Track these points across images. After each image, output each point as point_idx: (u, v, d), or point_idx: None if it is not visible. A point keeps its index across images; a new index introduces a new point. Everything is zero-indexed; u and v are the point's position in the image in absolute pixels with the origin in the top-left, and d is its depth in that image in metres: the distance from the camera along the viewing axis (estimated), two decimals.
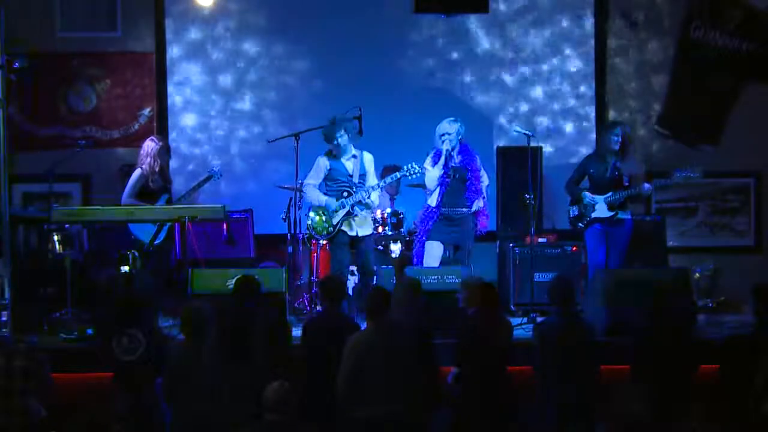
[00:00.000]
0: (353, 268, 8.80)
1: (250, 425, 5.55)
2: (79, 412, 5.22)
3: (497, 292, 6.67)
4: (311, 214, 8.53)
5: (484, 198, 8.60)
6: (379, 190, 8.58)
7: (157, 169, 8.74)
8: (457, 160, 8.55)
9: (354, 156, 8.54)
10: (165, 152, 8.90)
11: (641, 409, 5.43)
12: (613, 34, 10.37)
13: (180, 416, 6.20)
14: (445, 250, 8.59)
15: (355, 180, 8.50)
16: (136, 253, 8.48)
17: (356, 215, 8.45)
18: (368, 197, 8.44)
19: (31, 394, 6.20)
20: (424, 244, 8.59)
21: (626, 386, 5.70)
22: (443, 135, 8.51)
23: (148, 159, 8.72)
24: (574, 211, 8.76)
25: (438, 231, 8.53)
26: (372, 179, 8.55)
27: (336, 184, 8.52)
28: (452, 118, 8.60)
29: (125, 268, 8.29)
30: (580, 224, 8.73)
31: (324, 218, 8.47)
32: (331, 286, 6.79)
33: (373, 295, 6.41)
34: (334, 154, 8.52)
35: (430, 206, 8.59)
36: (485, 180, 8.68)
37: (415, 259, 8.66)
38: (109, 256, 8.89)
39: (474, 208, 8.51)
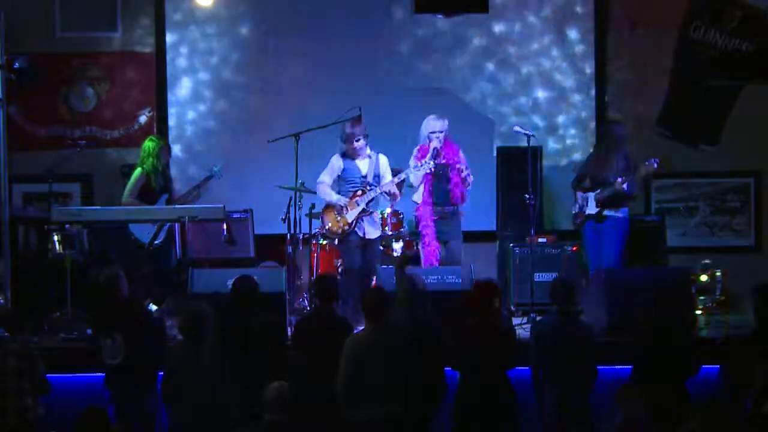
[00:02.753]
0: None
1: (250, 425, 5.55)
2: (79, 412, 5.20)
3: (499, 291, 6.62)
4: (325, 218, 8.59)
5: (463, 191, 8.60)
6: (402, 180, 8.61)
7: (159, 168, 8.74)
8: (441, 157, 8.55)
9: (369, 157, 8.56)
10: (165, 152, 8.90)
11: (639, 410, 5.43)
12: (613, 33, 10.36)
13: (179, 416, 6.20)
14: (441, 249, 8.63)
15: (370, 180, 8.52)
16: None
17: (371, 212, 8.51)
18: (384, 193, 8.48)
19: (27, 393, 6.20)
20: (429, 243, 8.59)
21: (624, 387, 5.70)
22: (432, 133, 8.53)
23: (149, 159, 8.73)
24: (575, 208, 8.79)
25: (438, 231, 8.56)
26: (388, 180, 8.55)
27: (350, 184, 8.55)
28: (437, 115, 8.64)
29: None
30: (578, 220, 8.76)
31: (338, 218, 8.50)
32: (324, 285, 6.79)
33: (372, 295, 6.41)
34: (348, 155, 8.55)
35: (417, 203, 8.62)
36: (467, 174, 8.64)
37: (421, 258, 8.68)
38: (109, 256, 8.89)
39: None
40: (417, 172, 8.49)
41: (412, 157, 8.65)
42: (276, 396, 5.34)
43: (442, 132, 8.54)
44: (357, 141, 8.46)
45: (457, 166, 8.56)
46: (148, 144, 8.83)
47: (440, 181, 8.57)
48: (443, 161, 8.56)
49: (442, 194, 8.61)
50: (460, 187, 8.61)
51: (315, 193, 8.88)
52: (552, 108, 10.35)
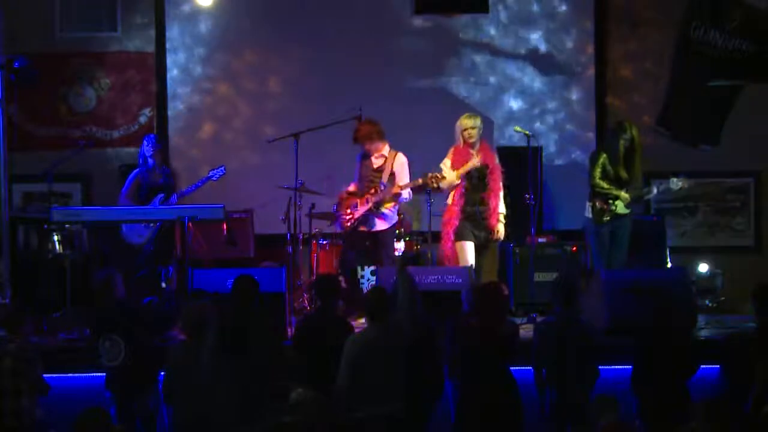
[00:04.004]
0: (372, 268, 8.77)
1: (261, 425, 5.51)
2: (79, 412, 5.20)
3: (503, 292, 6.59)
4: (339, 212, 8.65)
5: (502, 210, 8.50)
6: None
7: (150, 168, 8.77)
8: (478, 159, 8.47)
9: (384, 155, 8.52)
10: (159, 152, 8.90)
11: (612, 419, 5.44)
12: (613, 34, 10.37)
13: (181, 416, 6.19)
14: None
15: (384, 179, 8.45)
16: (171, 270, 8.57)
17: (380, 211, 8.47)
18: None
19: (24, 394, 6.19)
20: (445, 241, 8.53)
21: (598, 397, 5.73)
22: (465, 131, 8.40)
23: (141, 159, 8.78)
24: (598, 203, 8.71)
25: (464, 231, 8.44)
26: (402, 181, 8.44)
27: (363, 180, 8.60)
28: (469, 113, 8.57)
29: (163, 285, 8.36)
30: (606, 217, 8.64)
31: (349, 212, 8.52)
32: (324, 284, 6.79)
33: (372, 295, 6.41)
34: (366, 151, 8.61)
35: (447, 204, 8.52)
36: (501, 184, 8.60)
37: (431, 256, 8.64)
38: (106, 257, 8.90)
39: (496, 235, 8.46)
40: (448, 175, 8.37)
41: (446, 159, 8.45)
42: (299, 400, 5.34)
43: (474, 128, 8.39)
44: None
45: (496, 173, 8.48)
46: (143, 144, 8.90)
47: (475, 182, 8.44)
48: (482, 164, 8.44)
49: (475, 196, 8.45)
50: (495, 193, 8.49)
51: (315, 193, 8.89)
52: (551, 108, 10.36)
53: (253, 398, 5.86)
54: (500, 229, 8.52)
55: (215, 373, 6.08)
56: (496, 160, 8.56)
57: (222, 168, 8.93)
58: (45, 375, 6.40)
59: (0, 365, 6.18)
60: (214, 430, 6.00)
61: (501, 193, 8.53)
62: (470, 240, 8.42)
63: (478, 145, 8.47)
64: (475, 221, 8.46)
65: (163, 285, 8.52)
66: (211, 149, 10.28)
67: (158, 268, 8.79)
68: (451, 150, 8.48)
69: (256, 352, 6.30)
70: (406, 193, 8.55)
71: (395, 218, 8.68)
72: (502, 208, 8.55)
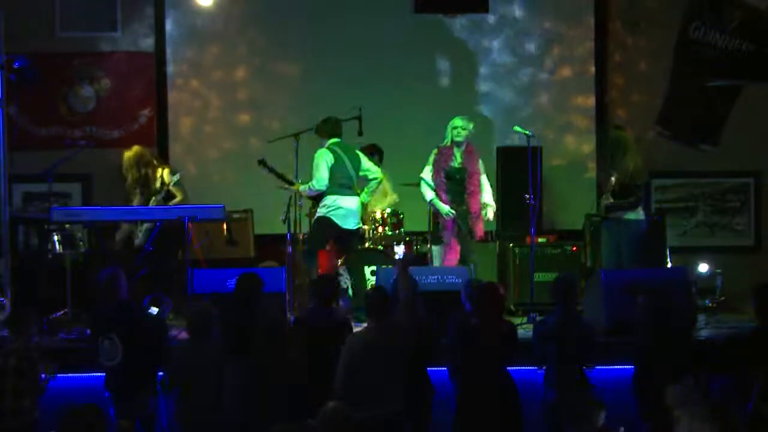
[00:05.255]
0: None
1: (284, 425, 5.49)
2: (79, 413, 5.19)
3: (501, 293, 6.60)
4: None
5: (484, 207, 8.62)
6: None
7: (129, 179, 8.83)
8: (459, 161, 8.56)
9: None
10: (143, 159, 8.93)
11: (598, 414, 5.43)
12: (613, 34, 10.37)
13: (184, 415, 6.20)
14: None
15: None
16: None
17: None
18: None
19: (25, 394, 6.19)
20: (448, 241, 8.66)
21: (576, 388, 5.73)
22: (455, 128, 8.58)
23: (129, 171, 8.85)
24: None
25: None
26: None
27: None
28: (464, 117, 8.73)
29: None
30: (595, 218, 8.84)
31: None
32: (324, 285, 6.80)
33: (373, 295, 6.41)
34: None
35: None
36: (486, 186, 8.68)
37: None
38: (108, 256, 8.90)
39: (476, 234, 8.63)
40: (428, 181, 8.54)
41: (428, 167, 8.64)
42: (328, 414, 5.34)
43: (464, 129, 8.58)
44: None
45: (476, 176, 8.62)
46: (127, 155, 8.94)
47: (454, 185, 8.62)
48: (461, 166, 8.60)
49: (455, 196, 8.64)
50: (476, 197, 8.64)
51: None
52: (552, 108, 10.36)
53: (256, 398, 5.86)
54: (481, 228, 8.67)
55: (220, 372, 6.08)
56: (478, 165, 8.67)
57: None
58: (44, 375, 6.40)
59: (4, 365, 6.19)
60: (218, 429, 6.00)
61: (484, 195, 8.65)
62: (440, 243, 8.65)
63: (463, 147, 8.63)
64: (458, 222, 8.56)
65: (154, 310, 8.42)
66: (210, 148, 10.28)
67: (157, 293, 8.71)
68: (435, 151, 8.67)
69: (258, 352, 6.30)
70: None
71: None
72: (491, 201, 8.67)
